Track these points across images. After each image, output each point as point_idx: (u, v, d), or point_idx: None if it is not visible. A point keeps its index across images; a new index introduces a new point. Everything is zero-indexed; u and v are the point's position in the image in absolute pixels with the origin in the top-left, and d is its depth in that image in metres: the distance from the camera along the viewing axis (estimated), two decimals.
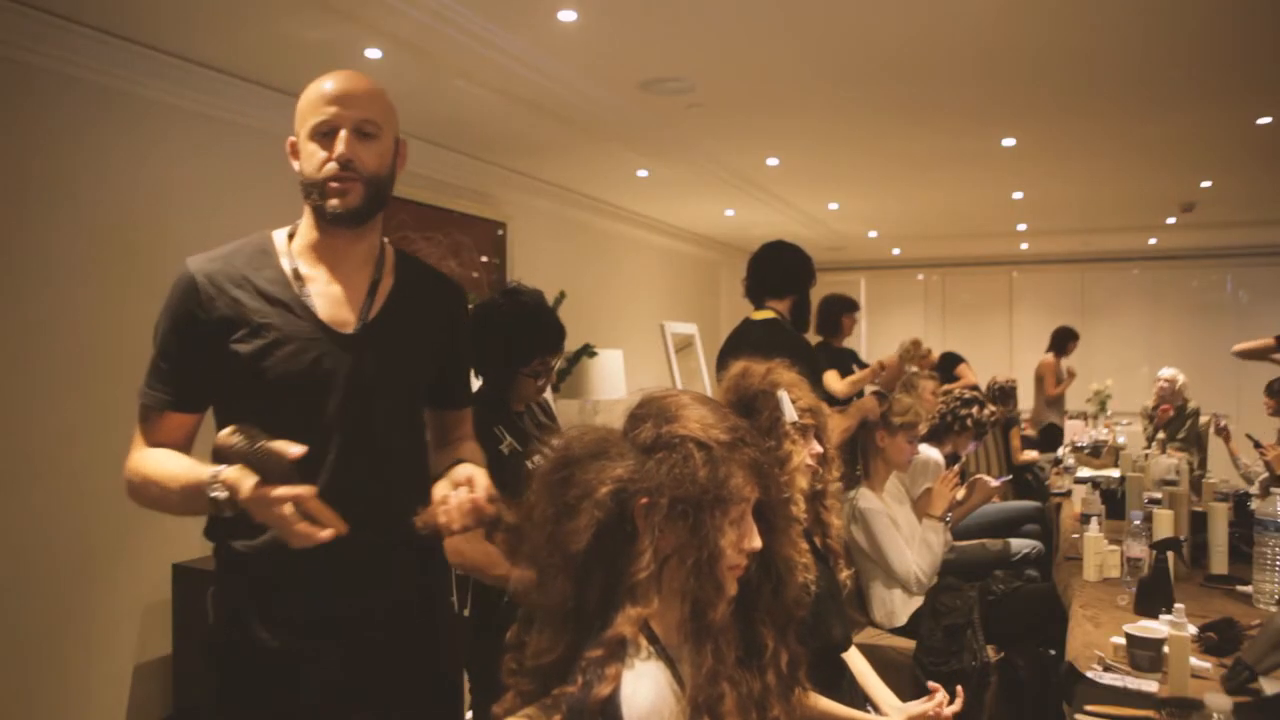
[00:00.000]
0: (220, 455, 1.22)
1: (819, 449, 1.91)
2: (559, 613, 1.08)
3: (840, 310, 4.61)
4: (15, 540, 2.82)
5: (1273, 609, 2.20)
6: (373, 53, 3.25)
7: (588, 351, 5.18)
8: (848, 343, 4.75)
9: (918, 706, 1.80)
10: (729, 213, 7.03)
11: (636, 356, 6.51)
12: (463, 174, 4.94)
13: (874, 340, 9.93)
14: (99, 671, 3.09)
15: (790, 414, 1.79)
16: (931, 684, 1.81)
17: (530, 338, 2.16)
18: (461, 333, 1.59)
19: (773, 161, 5.27)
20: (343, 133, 1.35)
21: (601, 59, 3.48)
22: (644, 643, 1.07)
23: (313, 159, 1.36)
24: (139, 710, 3.22)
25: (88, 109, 3.03)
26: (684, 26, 3.11)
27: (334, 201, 1.35)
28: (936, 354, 7.31)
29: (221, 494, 1.21)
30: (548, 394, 2.48)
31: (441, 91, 3.66)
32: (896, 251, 9.73)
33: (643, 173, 5.50)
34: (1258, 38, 3.22)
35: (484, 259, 5.15)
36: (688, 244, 8.35)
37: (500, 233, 5.29)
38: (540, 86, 3.65)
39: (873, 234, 8.51)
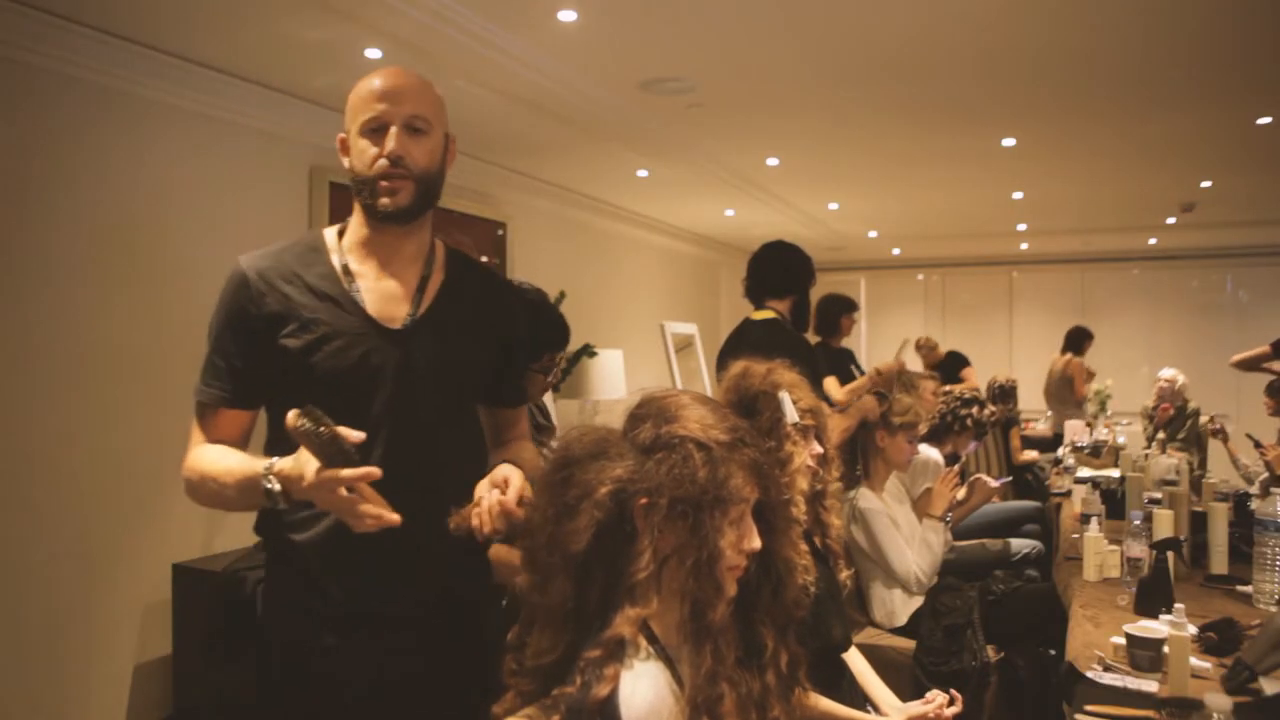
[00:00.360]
0: (288, 437, 1.22)
1: (819, 449, 1.91)
2: (559, 613, 1.08)
3: (839, 310, 4.60)
4: (15, 540, 2.82)
5: (1273, 609, 2.20)
6: (373, 53, 3.25)
7: (588, 351, 5.18)
8: (846, 343, 4.75)
9: (918, 707, 1.80)
10: (729, 213, 7.03)
11: (636, 356, 6.51)
12: (463, 174, 4.94)
13: (874, 340, 9.94)
14: (99, 671, 3.09)
15: (791, 415, 1.78)
16: (931, 693, 1.81)
17: (536, 334, 2.15)
18: (514, 332, 1.57)
19: (773, 161, 5.27)
20: (393, 129, 1.35)
21: (601, 59, 3.47)
22: (643, 643, 1.07)
23: (363, 156, 1.36)
24: (139, 710, 3.22)
25: (87, 109, 3.03)
26: (684, 26, 3.11)
27: (385, 200, 1.36)
28: (943, 350, 7.35)
29: (275, 486, 1.21)
30: (546, 395, 2.48)
31: (442, 91, 3.64)
32: (896, 251, 9.74)
33: (643, 173, 5.50)
34: (1258, 38, 3.21)
35: (484, 259, 5.15)
36: (688, 244, 8.35)
37: (500, 233, 5.29)
38: (540, 86, 3.65)
39: (873, 234, 8.51)
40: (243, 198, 3.58)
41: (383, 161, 1.34)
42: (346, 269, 1.40)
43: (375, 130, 1.36)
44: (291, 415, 1.15)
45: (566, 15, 2.97)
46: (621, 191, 6.23)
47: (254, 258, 1.39)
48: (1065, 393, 6.93)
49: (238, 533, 3.52)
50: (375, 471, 1.17)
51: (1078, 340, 7.09)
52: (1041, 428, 7.05)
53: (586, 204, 6.34)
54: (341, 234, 1.45)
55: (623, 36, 3.22)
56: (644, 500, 1.07)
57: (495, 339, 1.51)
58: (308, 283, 1.37)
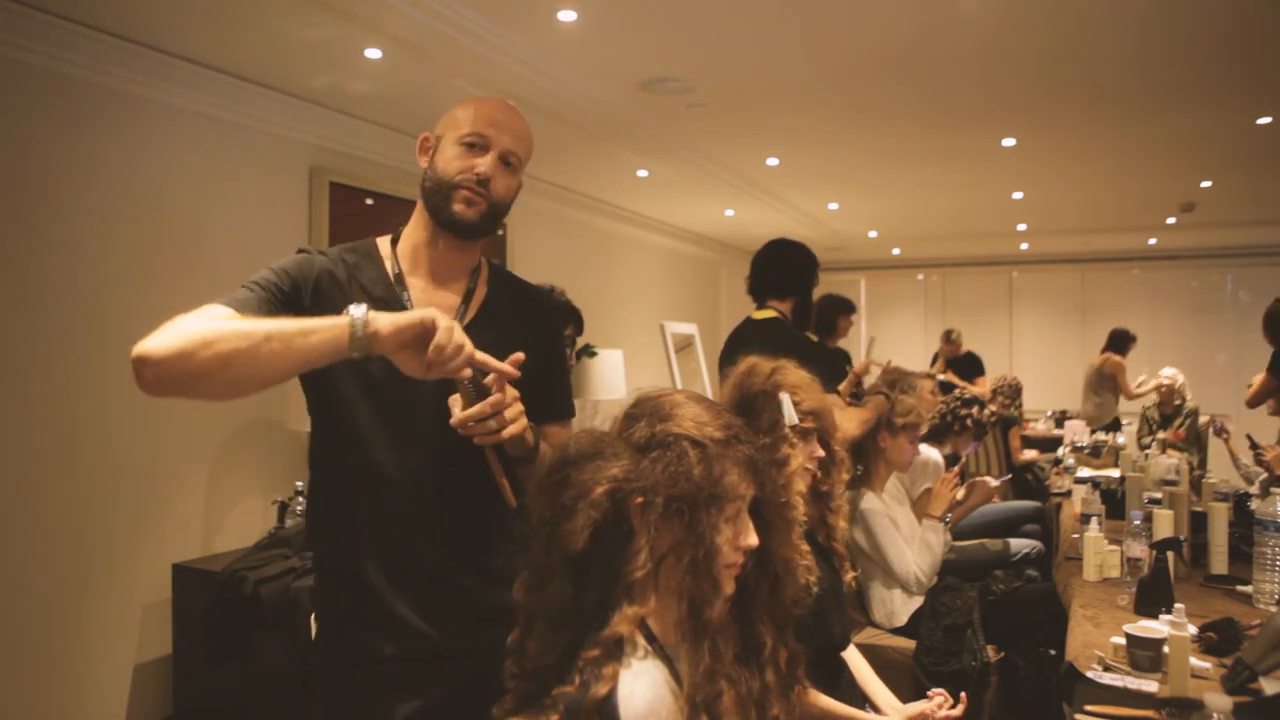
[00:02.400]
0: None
1: (820, 452, 1.90)
2: (558, 614, 1.08)
3: (837, 311, 4.62)
4: (15, 540, 2.82)
5: (1273, 609, 2.19)
6: (372, 52, 3.25)
7: (588, 351, 5.18)
8: (843, 344, 4.76)
9: (917, 707, 1.80)
10: (729, 213, 7.03)
11: (636, 356, 6.51)
12: None
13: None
14: (99, 672, 3.09)
15: (790, 417, 1.78)
16: (934, 691, 1.81)
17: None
18: (554, 345, 1.59)
19: (773, 161, 5.27)
20: (492, 154, 1.41)
21: (601, 59, 3.47)
22: (641, 641, 1.07)
23: (453, 163, 1.41)
24: (138, 710, 3.21)
25: (85, 108, 3.03)
26: (684, 26, 3.11)
27: (458, 207, 1.40)
28: (964, 348, 7.41)
29: (364, 318, 1.14)
30: None
31: (442, 91, 3.65)
32: (896, 251, 9.73)
33: (643, 173, 5.50)
34: (1258, 37, 3.21)
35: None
36: (688, 244, 8.35)
37: (500, 233, 5.29)
38: (540, 86, 3.65)
39: (873, 234, 8.51)
40: (242, 197, 3.58)
41: (470, 175, 1.40)
42: (399, 276, 1.44)
43: (474, 146, 1.41)
44: (466, 372, 1.22)
45: (566, 15, 2.97)
46: (621, 191, 6.23)
47: (315, 251, 1.44)
48: (1105, 390, 6.92)
49: (237, 533, 3.53)
50: (513, 372, 1.24)
51: (1120, 341, 7.06)
52: (1041, 427, 7.05)
53: (586, 204, 6.34)
54: (394, 243, 1.49)
55: (623, 36, 3.22)
56: (640, 499, 1.07)
57: (536, 352, 1.48)
58: (361, 284, 1.41)
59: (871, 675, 2.02)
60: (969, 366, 7.28)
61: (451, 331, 1.17)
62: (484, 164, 1.40)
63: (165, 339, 1.11)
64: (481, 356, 1.21)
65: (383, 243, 1.49)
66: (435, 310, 1.19)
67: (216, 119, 3.49)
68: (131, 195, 3.18)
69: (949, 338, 7.60)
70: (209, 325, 1.13)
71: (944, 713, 1.76)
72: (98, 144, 3.07)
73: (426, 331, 1.16)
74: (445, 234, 1.43)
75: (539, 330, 1.54)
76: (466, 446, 1.31)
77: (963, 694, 1.80)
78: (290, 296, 1.34)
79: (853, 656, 2.05)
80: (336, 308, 1.28)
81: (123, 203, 3.15)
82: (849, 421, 2.78)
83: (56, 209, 2.95)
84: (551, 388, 1.55)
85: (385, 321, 1.15)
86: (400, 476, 1.35)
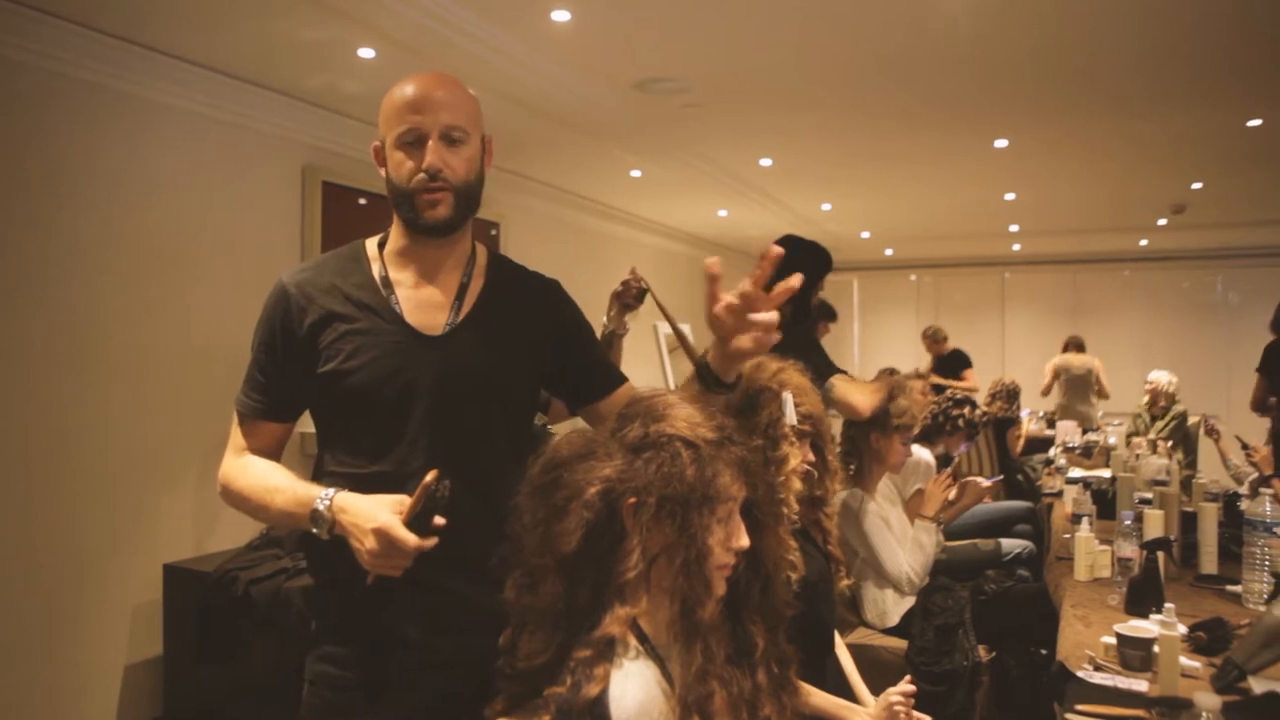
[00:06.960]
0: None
1: (812, 457, 1.91)
2: (550, 614, 1.08)
3: (820, 316, 4.72)
4: (7, 539, 2.81)
5: (1262, 609, 2.20)
6: (366, 52, 3.24)
7: None
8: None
9: (894, 693, 1.78)
10: (722, 213, 7.03)
11: (629, 357, 6.49)
12: None
13: (866, 341, 9.97)
14: (89, 672, 3.08)
15: (791, 417, 1.79)
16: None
17: None
18: (571, 324, 1.52)
19: (766, 162, 5.28)
20: (430, 142, 1.33)
21: (596, 59, 3.47)
22: (633, 642, 1.07)
23: (400, 169, 1.34)
24: (129, 711, 3.20)
25: (80, 107, 3.01)
26: (679, 27, 3.11)
27: (426, 213, 1.34)
28: (950, 345, 7.44)
29: (327, 512, 1.25)
30: None
31: None
32: (889, 252, 9.75)
33: (636, 173, 5.50)
34: (1248, 40, 3.23)
35: None
36: (681, 244, 8.35)
37: (493, 232, 5.28)
38: (534, 86, 3.65)
39: (865, 234, 8.52)
40: (235, 196, 3.57)
41: (421, 175, 1.32)
42: (385, 278, 1.39)
43: (411, 143, 1.33)
44: (434, 474, 1.18)
45: (560, 15, 2.97)
46: (615, 191, 6.23)
47: (295, 271, 1.39)
48: (1089, 391, 6.97)
49: (229, 533, 3.51)
50: (427, 545, 1.19)
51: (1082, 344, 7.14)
52: (1033, 428, 7.07)
53: (580, 204, 6.34)
54: (383, 244, 1.44)
55: (617, 37, 3.22)
56: (632, 499, 1.07)
57: (546, 339, 1.47)
58: (346, 293, 1.36)
59: (855, 676, 2.03)
60: (954, 363, 7.30)
61: (382, 552, 1.18)
62: (427, 158, 1.31)
63: (220, 473, 1.44)
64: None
65: (370, 244, 1.44)
66: (371, 529, 1.18)
67: (210, 118, 3.48)
68: (127, 194, 3.17)
69: (933, 336, 7.61)
70: (225, 485, 1.42)
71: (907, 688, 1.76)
72: (93, 143, 3.06)
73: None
74: (426, 237, 1.38)
75: (547, 315, 1.48)
76: (464, 457, 1.31)
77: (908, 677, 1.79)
78: (283, 367, 1.38)
79: (840, 654, 2.06)
80: (321, 326, 1.34)
81: (118, 201, 3.14)
82: (864, 396, 2.75)
83: (53, 208, 2.93)
84: (590, 364, 1.52)
85: (344, 519, 1.24)
86: (395, 485, 1.31)
